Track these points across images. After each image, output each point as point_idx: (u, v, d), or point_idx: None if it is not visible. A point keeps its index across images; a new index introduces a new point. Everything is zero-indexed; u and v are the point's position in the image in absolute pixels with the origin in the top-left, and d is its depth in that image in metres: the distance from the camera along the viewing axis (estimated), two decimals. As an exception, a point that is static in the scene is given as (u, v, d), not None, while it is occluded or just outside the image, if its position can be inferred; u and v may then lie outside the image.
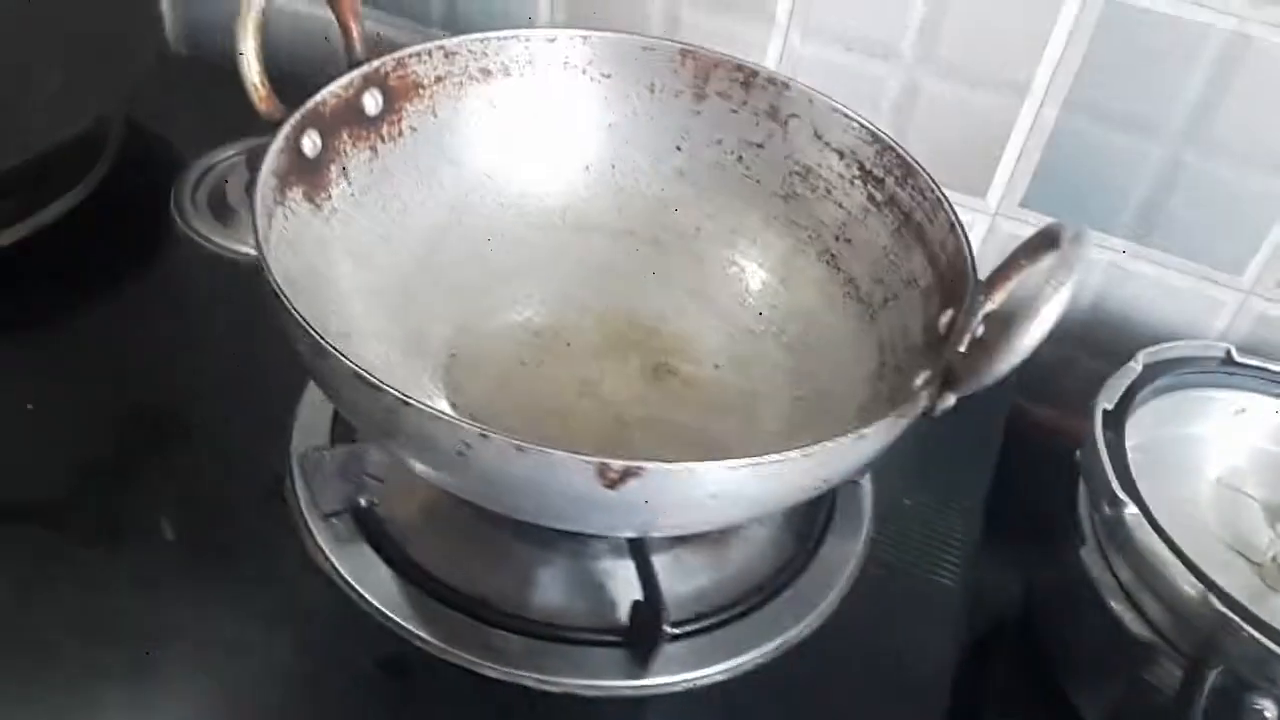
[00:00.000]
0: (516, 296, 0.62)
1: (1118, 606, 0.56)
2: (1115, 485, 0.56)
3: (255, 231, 0.46)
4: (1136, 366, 0.63)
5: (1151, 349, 0.64)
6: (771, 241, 0.64)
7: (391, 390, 0.40)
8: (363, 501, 0.53)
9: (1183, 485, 0.63)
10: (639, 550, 0.49)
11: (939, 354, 0.50)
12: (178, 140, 0.77)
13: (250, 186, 0.47)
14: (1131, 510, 0.55)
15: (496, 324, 0.60)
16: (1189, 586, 0.52)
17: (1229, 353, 0.66)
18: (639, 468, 0.38)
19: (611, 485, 0.39)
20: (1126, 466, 0.57)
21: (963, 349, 0.47)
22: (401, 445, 0.42)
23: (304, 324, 0.42)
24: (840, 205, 0.61)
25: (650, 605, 0.48)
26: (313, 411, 0.58)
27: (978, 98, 0.69)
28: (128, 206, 0.71)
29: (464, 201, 0.63)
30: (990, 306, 0.50)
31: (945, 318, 0.51)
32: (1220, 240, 0.69)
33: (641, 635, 0.48)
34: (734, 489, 0.41)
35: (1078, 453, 0.64)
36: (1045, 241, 0.47)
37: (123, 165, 0.72)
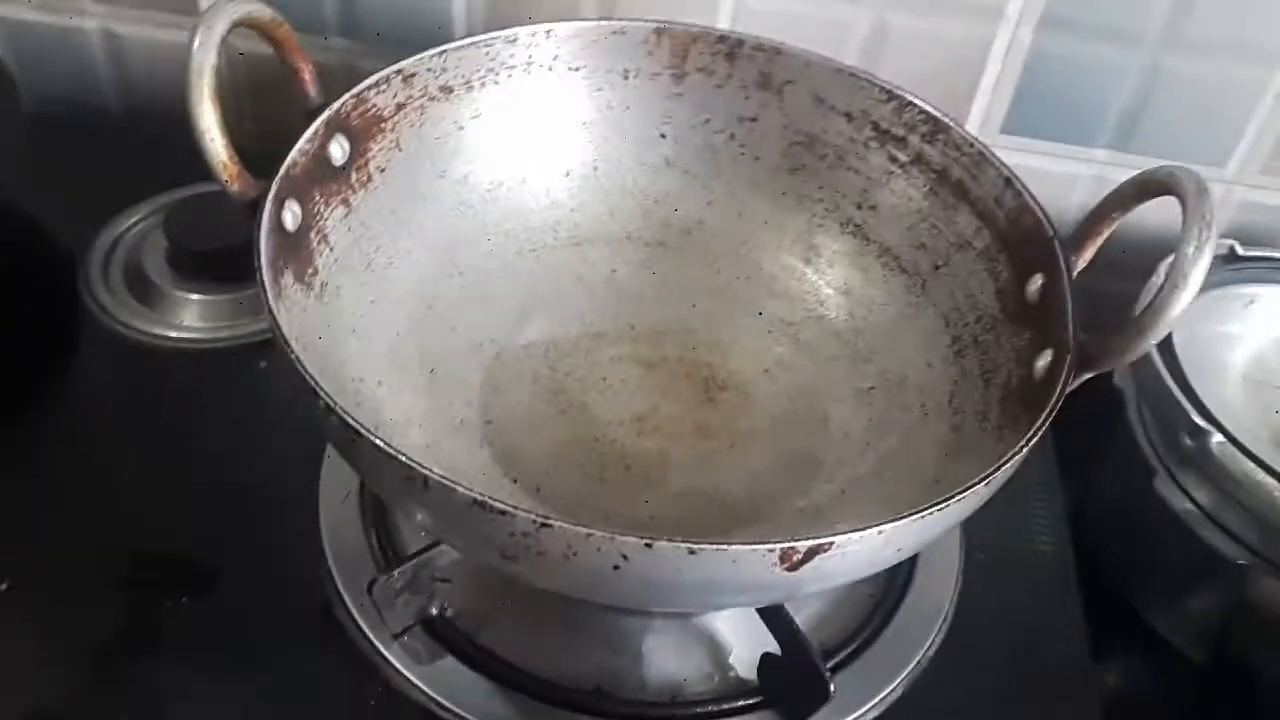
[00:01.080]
0: (531, 337, 0.55)
1: (1206, 533, 0.56)
2: (1193, 414, 0.55)
3: (288, 347, 0.38)
4: (1161, 281, 0.61)
5: (1169, 259, 0.63)
6: (784, 221, 0.59)
7: (524, 512, 0.34)
8: (434, 610, 0.47)
9: (1213, 387, 0.63)
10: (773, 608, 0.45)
11: (1037, 324, 0.47)
12: (74, 212, 0.65)
13: (261, 294, 0.39)
14: (1218, 439, 0.54)
15: (521, 372, 0.54)
16: (1295, 504, 0.51)
17: (1232, 249, 0.66)
18: (827, 543, 0.34)
19: (794, 567, 0.34)
20: (1194, 391, 0.56)
21: (1069, 318, 0.44)
22: (526, 569, 0.36)
23: (395, 455, 0.35)
24: (856, 171, 0.57)
25: (798, 657, 0.44)
26: (336, 510, 0.51)
27: (950, 27, 0.65)
28: (27, 301, 0.60)
29: (448, 240, 0.55)
30: (1081, 265, 0.47)
31: (1034, 285, 0.47)
32: (1202, 136, 0.68)
33: (798, 693, 0.44)
34: (917, 538, 0.37)
35: (1115, 378, 0.63)
36: (1141, 190, 0.44)
37: (12, 252, 0.61)
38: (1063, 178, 0.70)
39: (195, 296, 0.62)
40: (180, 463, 0.54)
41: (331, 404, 0.36)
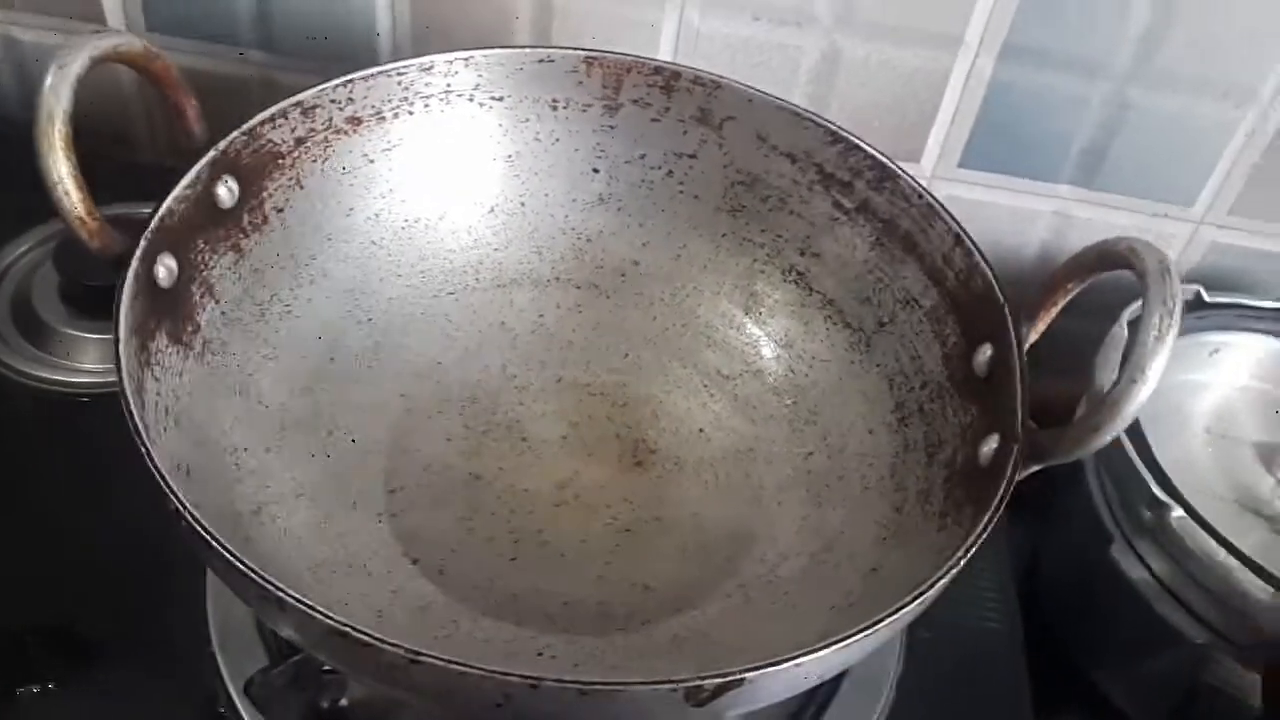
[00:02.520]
0: (447, 389, 0.51)
1: (1164, 608, 0.53)
2: (1154, 486, 0.51)
3: (138, 432, 0.34)
4: (1122, 331, 0.58)
5: (1133, 306, 0.59)
6: (724, 264, 0.55)
7: (391, 646, 0.29)
8: (325, 704, 0.42)
9: (1175, 439, 0.60)
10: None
11: (985, 399, 0.43)
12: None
13: (118, 376, 0.35)
14: (1178, 513, 0.51)
15: (432, 432, 0.49)
16: (1257, 590, 0.48)
17: (1198, 294, 0.62)
18: (735, 680, 0.30)
19: (701, 704, 0.30)
20: (1154, 459, 0.53)
21: (1018, 400, 0.40)
22: (410, 695, 0.32)
23: (253, 575, 0.31)
24: (799, 215, 0.53)
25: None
26: (225, 589, 0.46)
27: (906, 56, 0.61)
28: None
29: (355, 284, 0.51)
30: (1033, 338, 0.43)
31: (982, 355, 0.44)
32: (1169, 173, 0.64)
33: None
34: (839, 663, 0.33)
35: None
36: (1099, 261, 0.41)
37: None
38: (1023, 213, 0.67)
39: (91, 336, 0.57)
40: (60, 526, 0.50)
41: (180, 508, 0.32)
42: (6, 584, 0.47)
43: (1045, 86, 0.61)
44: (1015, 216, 0.66)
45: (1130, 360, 0.35)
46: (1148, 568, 0.53)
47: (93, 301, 0.57)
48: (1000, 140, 0.64)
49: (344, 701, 0.43)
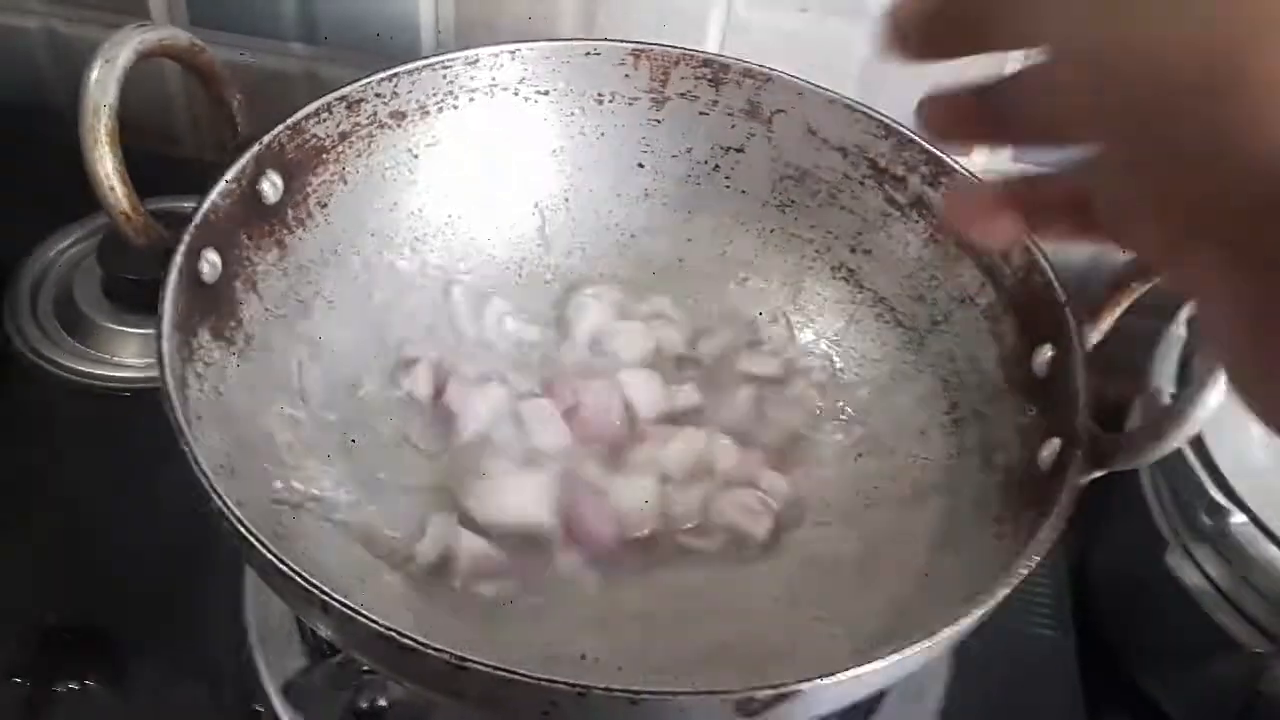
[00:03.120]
0: (487, 374, 0.50)
1: (1221, 615, 0.51)
2: (1214, 491, 0.50)
3: (180, 430, 0.33)
4: (1180, 331, 0.56)
5: (1189, 305, 0.57)
6: (772, 260, 0.54)
7: (436, 651, 0.29)
8: (364, 704, 0.42)
9: (1234, 443, 0.57)
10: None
11: (1045, 402, 0.42)
12: (-1, 232, 0.60)
13: (160, 372, 0.34)
14: (1239, 519, 0.49)
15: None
16: (1324, 598, 0.47)
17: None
18: (793, 690, 0.29)
19: (752, 714, 0.29)
20: (1215, 465, 0.51)
21: (1080, 403, 0.39)
22: (455, 701, 0.32)
23: (296, 576, 0.30)
24: (850, 211, 0.52)
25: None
26: (263, 587, 0.46)
27: (960, 48, 0.59)
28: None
29: (399, 278, 0.50)
30: (1096, 338, 0.42)
31: (1042, 356, 0.42)
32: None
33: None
34: (896, 675, 0.32)
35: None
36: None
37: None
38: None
39: (133, 330, 0.57)
40: (100, 522, 0.49)
41: (224, 507, 0.31)
42: (45, 580, 0.47)
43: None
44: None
45: (1201, 365, 0.34)
46: (1205, 574, 0.51)
47: (135, 296, 0.57)
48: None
49: (383, 702, 0.43)
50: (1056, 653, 0.50)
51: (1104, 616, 0.57)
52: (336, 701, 0.41)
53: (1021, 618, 0.50)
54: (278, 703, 0.42)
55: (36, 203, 0.61)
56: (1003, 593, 0.33)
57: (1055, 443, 0.39)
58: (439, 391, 0.48)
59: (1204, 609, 0.51)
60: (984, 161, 0.64)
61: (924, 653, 0.31)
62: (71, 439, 0.54)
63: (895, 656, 0.30)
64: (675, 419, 0.49)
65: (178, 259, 0.38)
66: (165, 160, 0.64)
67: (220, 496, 0.32)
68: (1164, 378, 0.53)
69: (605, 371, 0.50)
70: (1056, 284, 0.43)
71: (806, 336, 0.53)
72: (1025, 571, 0.33)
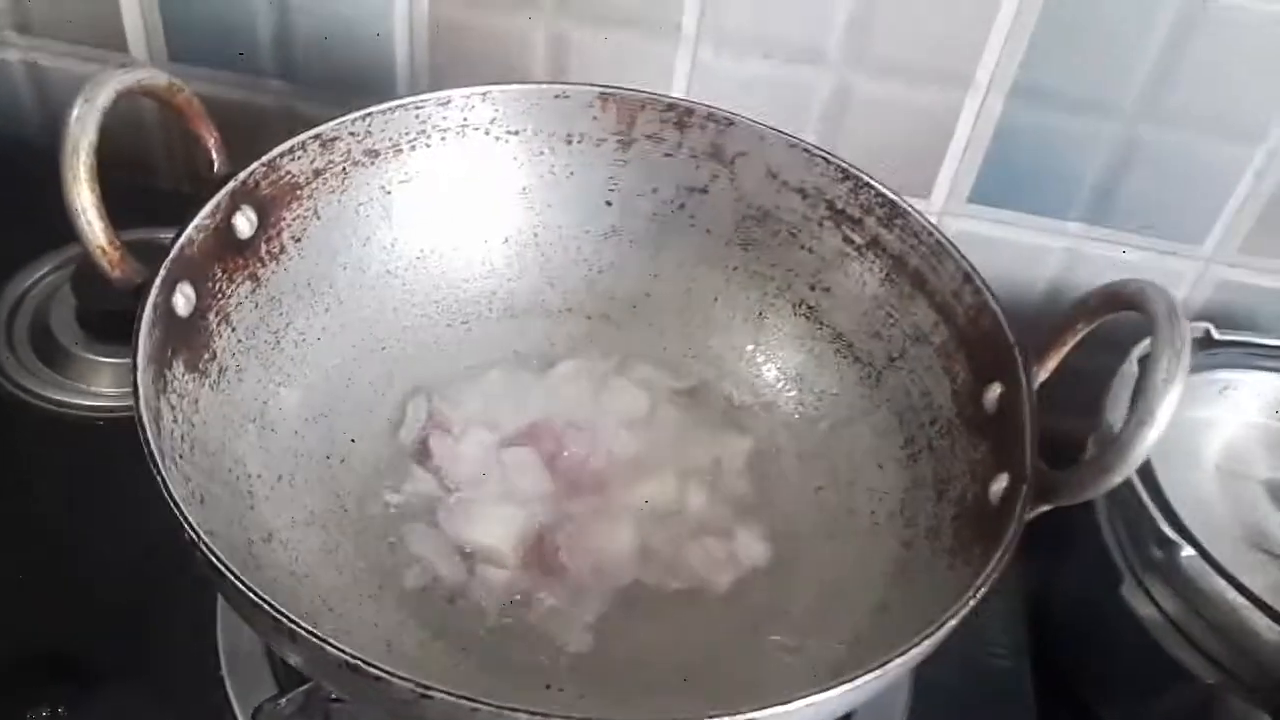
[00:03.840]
0: (466, 414, 0.51)
1: (1174, 647, 0.52)
2: (1163, 524, 0.51)
3: (154, 460, 0.34)
4: (1133, 368, 0.58)
5: (1144, 343, 0.59)
6: (735, 297, 0.55)
7: (401, 679, 0.30)
8: (333, 731, 0.43)
9: (1185, 476, 0.59)
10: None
11: (994, 437, 0.43)
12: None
13: (135, 404, 0.35)
14: (1188, 552, 0.50)
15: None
16: (1267, 630, 0.48)
17: (1208, 332, 0.62)
18: (750, 719, 0.30)
19: (710, 739, 0.30)
20: (1165, 497, 0.53)
21: (1027, 440, 0.40)
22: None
23: (266, 605, 0.31)
24: (810, 250, 0.53)
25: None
26: (233, 620, 0.46)
27: (917, 95, 0.61)
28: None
29: (371, 312, 0.52)
30: (1043, 376, 0.44)
31: (992, 393, 0.44)
32: (1179, 211, 0.64)
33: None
34: (850, 703, 0.33)
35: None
36: (1108, 303, 0.41)
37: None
38: (1033, 249, 0.67)
39: (107, 360, 0.58)
40: (72, 549, 0.50)
41: (195, 537, 0.32)
42: (16, 607, 0.47)
43: (1055, 124, 0.61)
44: (1025, 253, 0.66)
45: (1139, 403, 0.36)
46: (1158, 606, 0.53)
47: (109, 326, 0.58)
48: (1010, 177, 0.64)
49: (352, 729, 0.44)
50: (1014, 683, 0.51)
51: (1062, 646, 0.58)
52: (303, 730, 0.42)
53: (979, 650, 0.52)
54: (246, 729, 0.43)
55: (13, 230, 0.61)
56: (951, 623, 0.34)
57: (1004, 478, 0.40)
58: (422, 440, 0.49)
59: (1157, 640, 0.52)
60: (941, 202, 0.66)
61: (877, 680, 0.32)
62: (45, 467, 0.54)
63: (846, 686, 0.32)
64: (649, 462, 0.50)
65: (153, 294, 0.39)
66: (142, 191, 0.65)
67: (192, 526, 0.33)
68: (1117, 414, 0.55)
69: (586, 420, 0.51)
70: (1004, 324, 0.44)
71: (770, 372, 0.54)
72: (973, 603, 0.34)
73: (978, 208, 0.66)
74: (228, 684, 0.45)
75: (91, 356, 0.58)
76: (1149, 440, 0.35)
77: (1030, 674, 0.52)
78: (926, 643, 0.34)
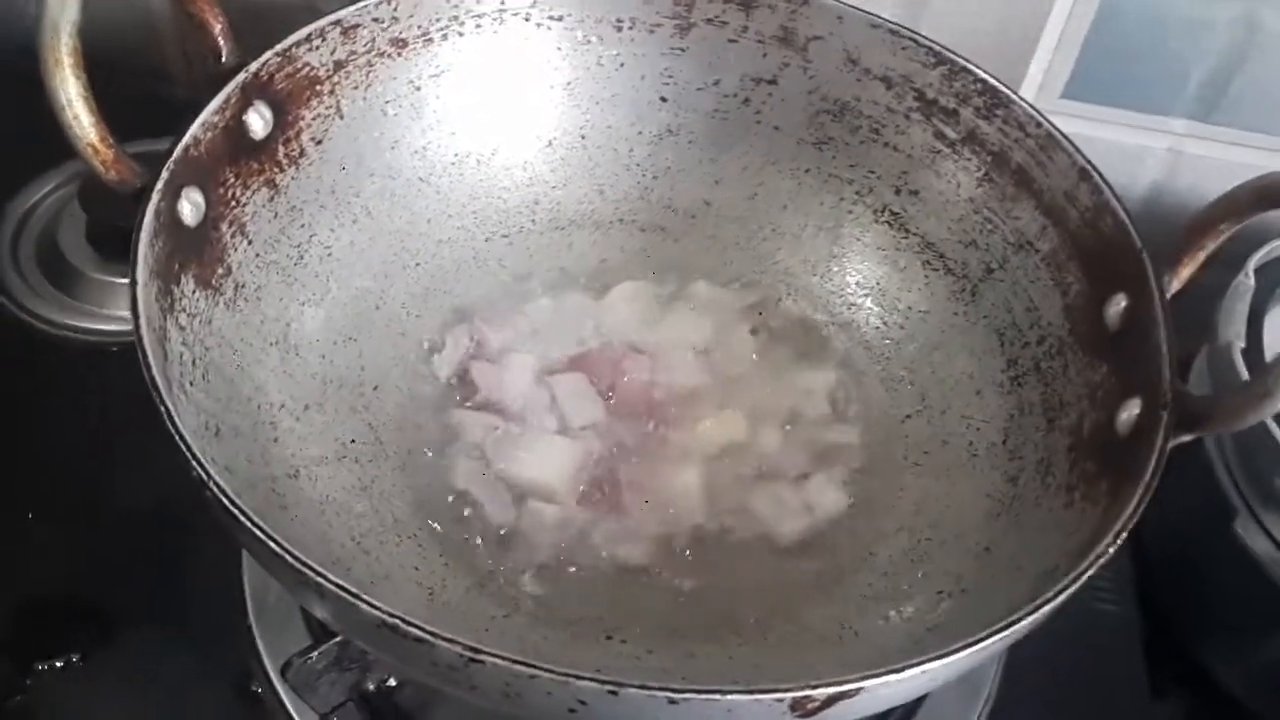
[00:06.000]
0: (510, 338, 0.46)
1: (1294, 588, 0.47)
2: (1293, 456, 0.46)
3: (155, 387, 0.29)
4: (1249, 280, 0.52)
5: (1261, 252, 0.53)
6: (808, 203, 0.50)
7: (448, 642, 0.25)
8: (370, 685, 0.39)
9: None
10: None
11: (1119, 358, 0.38)
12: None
13: (135, 323, 0.30)
14: (1321, 487, 0.45)
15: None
16: None
17: (1335, 242, 0.56)
18: (854, 689, 0.25)
19: (809, 714, 0.26)
20: (1292, 426, 0.47)
21: (1163, 358, 0.35)
22: (469, 696, 0.28)
23: (287, 555, 0.26)
24: (895, 148, 0.48)
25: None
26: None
27: (1011, -31, 0.55)
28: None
29: (402, 224, 0.47)
30: (1176, 286, 0.38)
31: (1115, 306, 0.38)
32: (1304, 105, 0.58)
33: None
34: (965, 667, 0.28)
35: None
36: (1259, 198, 0.35)
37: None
38: (1132, 150, 0.61)
39: (121, 281, 0.53)
40: (89, 488, 0.46)
41: (204, 475, 0.27)
42: (28, 552, 0.44)
43: (1163, 6, 0.55)
44: (1123, 154, 0.61)
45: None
46: (1277, 543, 0.48)
47: (122, 243, 0.53)
48: (1110, 68, 0.58)
49: (392, 681, 0.40)
50: (1119, 629, 0.46)
51: (1162, 587, 0.53)
52: (341, 683, 0.38)
53: (1080, 593, 0.47)
54: (278, 684, 0.39)
55: (18, 144, 0.57)
56: (1087, 574, 0.29)
57: (1136, 403, 0.35)
58: (463, 366, 0.44)
59: (1274, 579, 0.47)
60: (1031, 97, 0.59)
61: (999, 642, 0.27)
62: (56, 398, 0.50)
63: (967, 650, 0.27)
64: (714, 394, 0.45)
65: (154, 199, 0.34)
66: (158, 100, 0.60)
67: (199, 462, 0.28)
68: (1233, 331, 0.49)
69: (646, 345, 0.46)
70: (1131, 227, 0.39)
71: (848, 288, 0.49)
72: (1116, 545, 0.29)
73: (1072, 104, 0.60)
74: (256, 632, 0.41)
75: (104, 277, 0.54)
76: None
77: (1137, 621, 0.47)
78: (1060, 596, 0.29)
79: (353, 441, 0.41)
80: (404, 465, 0.41)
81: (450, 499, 0.41)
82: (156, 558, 0.44)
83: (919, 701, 0.41)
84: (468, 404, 0.43)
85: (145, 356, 0.31)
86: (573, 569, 0.39)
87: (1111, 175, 0.61)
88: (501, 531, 0.40)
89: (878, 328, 0.47)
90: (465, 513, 0.40)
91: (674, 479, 0.42)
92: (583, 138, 0.50)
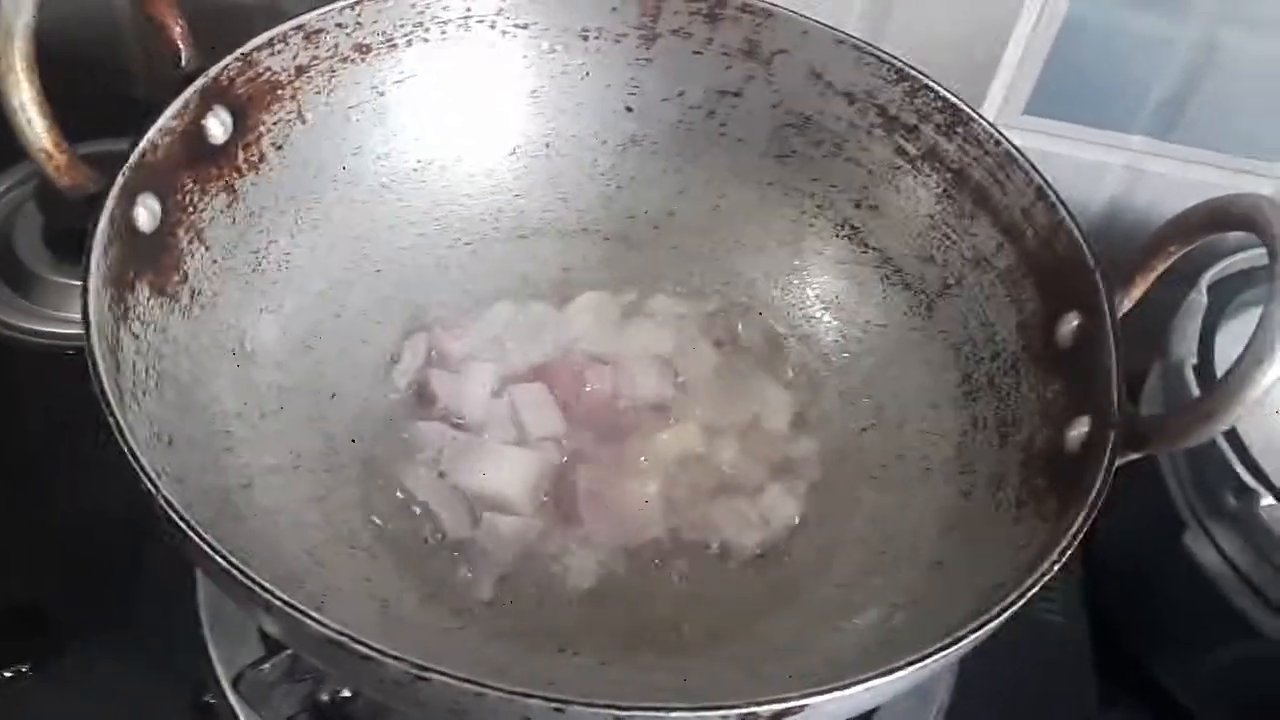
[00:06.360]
0: (470, 347, 0.46)
1: (1242, 599, 0.48)
2: (1243, 472, 0.46)
3: (104, 397, 0.29)
4: (1202, 297, 0.53)
5: (1214, 269, 0.54)
6: (770, 216, 0.50)
7: (395, 660, 0.25)
8: (324, 696, 0.38)
9: (1259, 422, 0.54)
10: None
11: (1070, 375, 0.38)
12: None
13: (86, 331, 0.30)
14: (1268, 501, 0.46)
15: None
16: (1360, 588, 0.44)
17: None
18: (797, 705, 0.26)
19: (756, 729, 0.26)
20: (1244, 445, 0.48)
21: (1113, 378, 0.35)
22: (418, 713, 0.28)
23: (235, 570, 0.26)
24: (857, 163, 0.48)
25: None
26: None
27: (973, -12, 0.55)
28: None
29: (363, 230, 0.47)
30: (1127, 306, 0.38)
31: (1067, 325, 0.39)
32: (1259, 127, 0.59)
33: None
34: (912, 683, 0.29)
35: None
36: (1211, 221, 0.36)
37: None
38: (1091, 166, 0.61)
39: (77, 283, 0.52)
40: (40, 494, 0.46)
41: (153, 487, 0.27)
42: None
43: (1124, 25, 0.55)
44: (1083, 169, 0.61)
45: (1258, 338, 0.30)
46: (1225, 557, 0.49)
47: (80, 245, 0.52)
48: (1071, 85, 0.58)
49: (346, 692, 0.39)
50: (1068, 640, 0.47)
51: (1113, 599, 0.54)
52: (294, 694, 0.38)
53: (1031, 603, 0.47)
54: (231, 695, 0.39)
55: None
56: (1032, 585, 0.30)
57: (1085, 421, 0.36)
58: (423, 375, 0.44)
59: (1223, 593, 0.48)
60: (994, 113, 0.60)
61: (946, 657, 0.28)
62: (9, 402, 0.50)
63: (914, 666, 0.27)
64: (674, 405, 0.45)
65: (109, 205, 0.34)
66: (116, 101, 0.59)
67: (149, 476, 0.28)
68: (1185, 348, 0.50)
69: (607, 355, 0.46)
70: (1085, 246, 0.39)
71: (808, 300, 0.49)
72: (1060, 562, 0.30)
73: (1034, 119, 0.60)
74: (209, 642, 0.40)
75: (60, 279, 0.53)
76: (1267, 380, 0.30)
77: (1086, 632, 0.48)
78: (1005, 612, 0.29)
79: (308, 451, 0.40)
80: (360, 476, 0.41)
81: (407, 510, 0.40)
82: (109, 566, 0.44)
83: (870, 712, 0.42)
84: (426, 414, 0.43)
85: (95, 367, 0.31)
86: (529, 581, 0.39)
87: (1071, 190, 0.62)
88: (458, 543, 0.40)
89: (836, 341, 0.48)
90: (422, 524, 0.40)
91: (633, 491, 0.42)
92: (547, 146, 0.50)
